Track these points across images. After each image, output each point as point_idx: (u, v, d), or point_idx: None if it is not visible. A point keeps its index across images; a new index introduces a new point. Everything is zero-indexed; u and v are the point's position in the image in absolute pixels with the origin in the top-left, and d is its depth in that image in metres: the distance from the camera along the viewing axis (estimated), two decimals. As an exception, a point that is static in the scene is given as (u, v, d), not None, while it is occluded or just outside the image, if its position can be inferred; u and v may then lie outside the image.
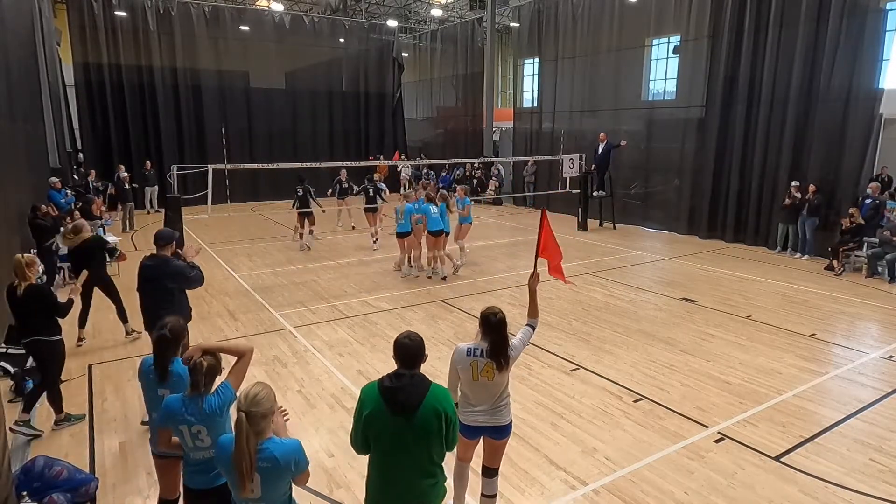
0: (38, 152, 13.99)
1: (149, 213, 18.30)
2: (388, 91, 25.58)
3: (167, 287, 5.33)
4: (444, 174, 23.48)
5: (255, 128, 21.91)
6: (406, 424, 2.86)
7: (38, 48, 14.61)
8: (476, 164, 22.59)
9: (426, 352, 3.05)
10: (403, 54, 26.54)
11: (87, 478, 4.31)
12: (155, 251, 5.45)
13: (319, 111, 23.53)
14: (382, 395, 2.89)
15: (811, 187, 12.36)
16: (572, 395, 6.13)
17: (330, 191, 15.33)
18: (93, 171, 17.41)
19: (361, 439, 2.95)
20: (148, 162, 18.71)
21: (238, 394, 2.83)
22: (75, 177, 17.31)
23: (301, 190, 13.36)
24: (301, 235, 13.61)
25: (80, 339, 7.51)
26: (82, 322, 7.60)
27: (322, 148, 23.13)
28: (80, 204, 13.31)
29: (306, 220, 13.47)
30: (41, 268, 5.50)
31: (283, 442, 2.79)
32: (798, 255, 12.74)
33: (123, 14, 18.93)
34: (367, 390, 2.98)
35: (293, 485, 2.88)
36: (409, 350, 2.99)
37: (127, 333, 7.66)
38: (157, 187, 18.70)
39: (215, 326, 7.98)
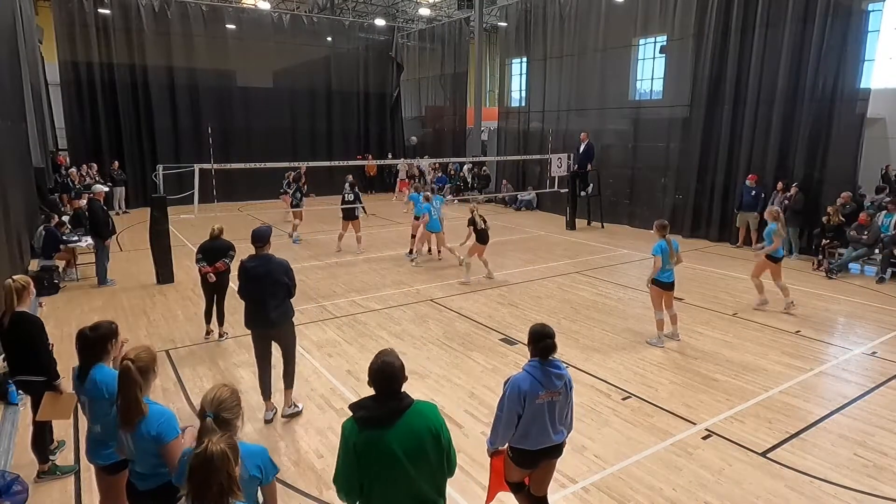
0: (21, 152, 13.79)
1: (118, 214, 17.51)
2: (386, 91, 25.59)
3: (279, 282, 5.44)
4: (439, 174, 23.49)
5: (254, 127, 21.73)
6: (393, 440, 2.65)
7: (19, 46, 14.39)
8: (468, 165, 22.60)
9: (405, 373, 2.80)
10: (390, 53, 26.51)
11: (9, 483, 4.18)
12: (254, 252, 5.54)
13: (318, 110, 23.45)
14: (360, 421, 2.68)
15: (789, 187, 12.55)
16: (561, 394, 6.15)
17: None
18: (73, 170, 17.21)
19: (345, 475, 2.70)
20: (116, 161, 18.43)
21: (205, 394, 2.70)
22: (57, 177, 17.08)
23: (352, 194, 12.72)
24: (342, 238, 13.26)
25: (207, 333, 7.81)
26: (208, 317, 7.81)
27: (320, 147, 23.12)
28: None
29: (351, 225, 12.91)
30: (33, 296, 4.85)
31: (248, 446, 2.72)
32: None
33: (107, 12, 18.70)
34: (348, 424, 2.73)
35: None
36: (385, 374, 2.72)
37: None
38: (124, 188, 18.44)
39: (203, 327, 7.90)
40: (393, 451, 2.65)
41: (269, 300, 5.40)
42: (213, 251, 7.55)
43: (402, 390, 2.77)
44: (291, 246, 13.73)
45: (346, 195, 12.78)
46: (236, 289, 5.56)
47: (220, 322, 7.83)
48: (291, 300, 5.64)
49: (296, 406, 5.72)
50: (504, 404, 3.52)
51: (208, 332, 7.83)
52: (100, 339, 3.49)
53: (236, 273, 5.75)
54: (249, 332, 5.66)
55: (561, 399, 3.58)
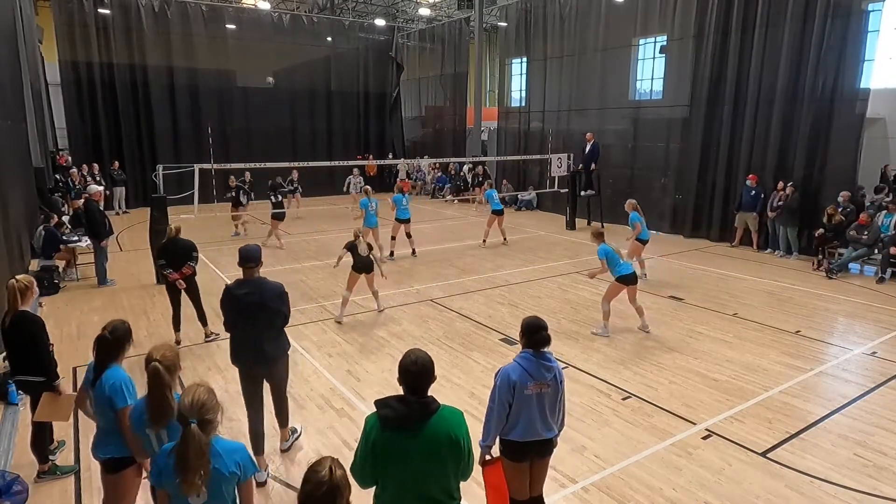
0: (21, 152, 13.80)
1: (118, 214, 17.77)
2: (386, 91, 25.61)
3: (275, 310, 4.66)
4: (438, 174, 23.41)
5: (254, 127, 21.72)
6: (412, 447, 2.67)
7: (19, 46, 14.39)
8: (468, 165, 22.61)
9: (434, 373, 2.80)
10: (390, 53, 26.55)
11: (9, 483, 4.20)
12: (241, 275, 4.73)
13: (318, 110, 23.45)
14: (383, 420, 2.70)
15: (786, 187, 12.57)
16: (561, 394, 6.16)
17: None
18: (73, 171, 17.21)
19: (361, 466, 2.73)
20: (116, 161, 18.46)
21: (181, 399, 2.67)
22: (57, 177, 17.09)
23: (277, 196, 13.93)
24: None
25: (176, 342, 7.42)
26: (176, 325, 7.60)
27: (320, 147, 23.13)
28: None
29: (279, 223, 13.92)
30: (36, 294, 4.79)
31: (227, 443, 2.74)
32: (778, 252, 12.94)
33: (107, 12, 18.70)
34: (371, 419, 2.76)
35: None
36: (414, 374, 2.73)
37: None
38: (124, 188, 18.48)
39: (201, 328, 7.89)
40: (410, 455, 2.68)
41: (264, 332, 4.63)
42: (177, 254, 7.25)
43: (430, 394, 2.78)
44: (281, 250, 13.49)
45: (272, 197, 13.82)
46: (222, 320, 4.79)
47: (204, 322, 7.68)
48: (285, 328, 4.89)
49: (295, 431, 5.22)
50: (495, 395, 3.55)
51: (178, 342, 7.44)
52: (116, 342, 3.59)
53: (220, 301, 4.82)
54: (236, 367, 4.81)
55: (550, 392, 3.59)
